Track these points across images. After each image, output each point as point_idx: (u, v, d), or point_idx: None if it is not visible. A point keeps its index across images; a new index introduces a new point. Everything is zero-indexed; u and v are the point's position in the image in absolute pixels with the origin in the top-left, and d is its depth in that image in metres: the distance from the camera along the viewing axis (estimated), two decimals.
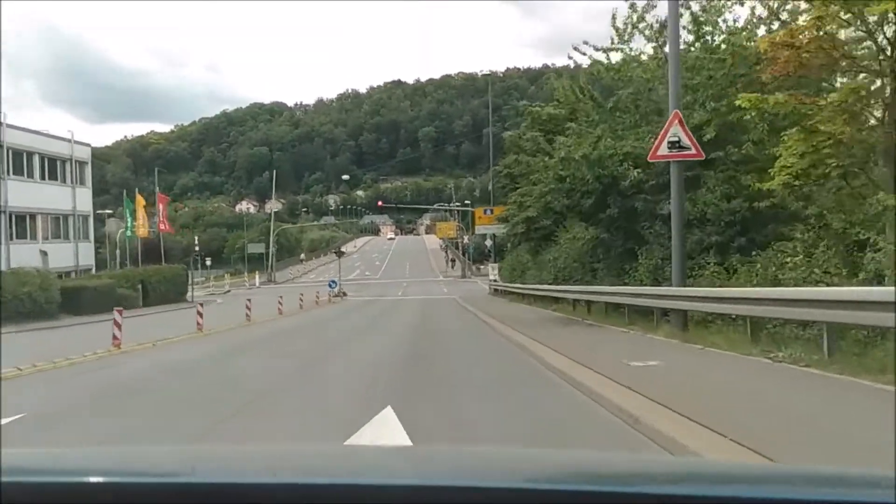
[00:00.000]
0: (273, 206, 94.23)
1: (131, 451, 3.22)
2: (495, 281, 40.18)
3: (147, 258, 45.43)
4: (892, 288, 7.24)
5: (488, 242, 44.40)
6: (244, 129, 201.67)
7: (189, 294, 41.79)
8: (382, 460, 2.06)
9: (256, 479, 1.51)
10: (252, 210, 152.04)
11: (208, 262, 67.69)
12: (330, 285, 40.74)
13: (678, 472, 1.83)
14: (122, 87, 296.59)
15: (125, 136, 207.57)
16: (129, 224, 45.13)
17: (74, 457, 2.10)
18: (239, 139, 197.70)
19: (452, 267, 77.80)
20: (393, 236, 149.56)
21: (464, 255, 75.68)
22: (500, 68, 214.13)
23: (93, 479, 1.43)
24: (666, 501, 1.30)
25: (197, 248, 60.59)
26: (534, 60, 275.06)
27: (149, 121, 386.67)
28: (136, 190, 48.20)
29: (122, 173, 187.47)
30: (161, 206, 48.58)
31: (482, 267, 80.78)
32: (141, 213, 45.28)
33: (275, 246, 74.25)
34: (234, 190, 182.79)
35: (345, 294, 42.24)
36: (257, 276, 65.51)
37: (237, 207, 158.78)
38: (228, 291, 53.33)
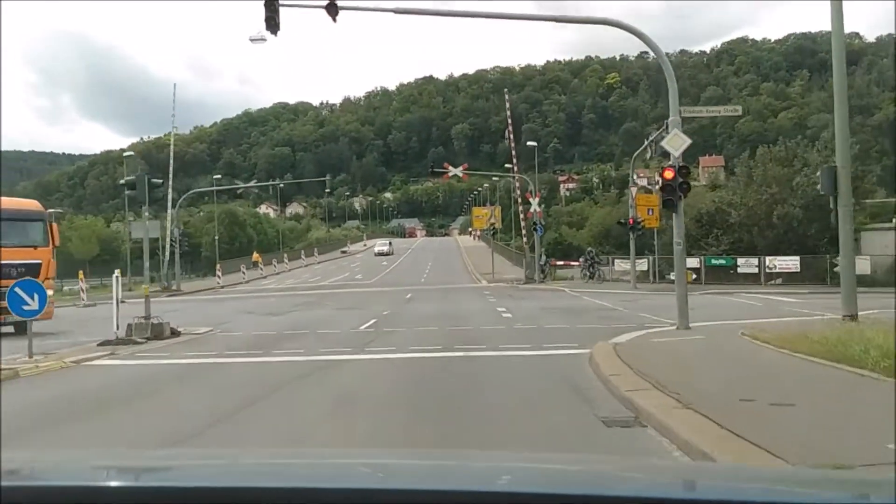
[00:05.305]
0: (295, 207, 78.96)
1: (127, 453, 3.32)
2: None
3: None
4: None
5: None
6: (266, 129, 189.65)
7: None
8: (392, 465, 2.04)
9: (260, 484, 1.53)
10: (272, 214, 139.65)
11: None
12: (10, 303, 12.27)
13: (684, 477, 1.80)
14: (156, 99, 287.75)
15: (141, 138, 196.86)
16: None
17: (72, 460, 2.06)
18: (260, 140, 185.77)
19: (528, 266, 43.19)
20: (385, 250, 79.47)
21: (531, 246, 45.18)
22: (540, 61, 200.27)
23: (90, 483, 1.47)
24: None
25: None
26: (576, 52, 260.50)
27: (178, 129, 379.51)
28: None
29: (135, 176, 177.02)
30: None
31: (559, 263, 45.38)
32: None
33: (177, 231, 44.66)
34: (254, 193, 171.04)
35: (168, 333, 16.01)
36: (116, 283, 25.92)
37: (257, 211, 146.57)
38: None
